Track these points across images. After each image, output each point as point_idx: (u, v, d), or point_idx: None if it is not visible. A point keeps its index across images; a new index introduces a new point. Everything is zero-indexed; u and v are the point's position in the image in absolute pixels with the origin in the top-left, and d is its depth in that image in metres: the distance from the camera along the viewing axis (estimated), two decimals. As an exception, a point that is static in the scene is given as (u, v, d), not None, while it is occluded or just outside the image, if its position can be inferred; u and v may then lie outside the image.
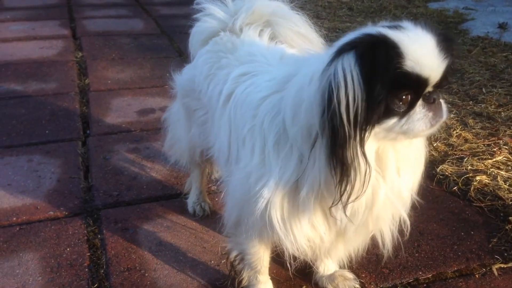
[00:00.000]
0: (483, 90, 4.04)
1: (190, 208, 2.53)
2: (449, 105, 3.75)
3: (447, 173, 2.87)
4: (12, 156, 3.07)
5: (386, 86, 1.25)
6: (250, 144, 1.61)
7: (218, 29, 2.15)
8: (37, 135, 3.34)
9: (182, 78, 2.32)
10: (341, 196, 1.36)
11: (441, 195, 2.73)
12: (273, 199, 1.52)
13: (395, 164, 1.46)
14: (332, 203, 1.40)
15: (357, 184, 1.34)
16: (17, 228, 2.40)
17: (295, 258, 1.80)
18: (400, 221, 1.64)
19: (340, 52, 1.28)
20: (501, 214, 2.54)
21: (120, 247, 2.28)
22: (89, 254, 2.24)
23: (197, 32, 2.24)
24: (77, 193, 2.69)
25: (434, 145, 3.16)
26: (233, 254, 1.89)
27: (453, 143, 3.20)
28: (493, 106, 3.73)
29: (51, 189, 2.72)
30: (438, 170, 2.90)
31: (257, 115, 1.61)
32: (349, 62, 1.24)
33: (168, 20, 6.54)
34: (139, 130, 3.45)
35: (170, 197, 2.68)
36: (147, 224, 2.44)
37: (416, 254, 2.27)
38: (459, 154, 3.06)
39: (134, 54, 5.16)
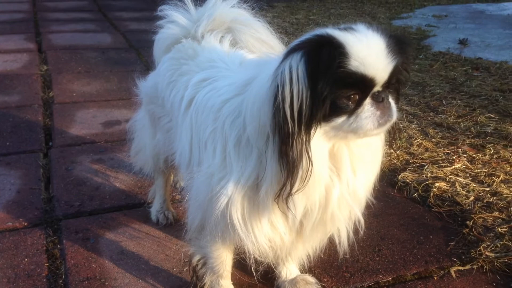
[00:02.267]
0: (443, 102, 4.16)
1: (153, 216, 2.52)
2: (410, 116, 3.85)
3: (408, 181, 2.93)
4: (-29, 168, 3.00)
5: (329, 83, 1.29)
6: (212, 146, 1.63)
7: (181, 36, 2.18)
8: (-3, 147, 3.28)
9: (146, 85, 2.33)
10: (280, 189, 1.40)
11: (402, 201, 2.79)
12: (233, 199, 1.54)
13: (350, 163, 1.49)
14: (275, 197, 1.44)
15: (298, 179, 1.37)
16: (-26, 240, 2.34)
17: (258, 262, 1.81)
18: (355, 220, 1.67)
19: (290, 52, 1.33)
20: (459, 219, 2.61)
21: (80, 256, 2.24)
22: (47, 264, 2.20)
23: (160, 39, 2.26)
24: (37, 204, 2.64)
25: (396, 153, 3.22)
26: (196, 258, 1.88)
27: (414, 151, 3.27)
28: (452, 117, 3.84)
29: (10, 200, 2.66)
30: (399, 177, 2.96)
31: (218, 118, 1.63)
32: (295, 60, 1.29)
33: (136, 34, 6.54)
34: (103, 142, 3.42)
35: (133, 207, 2.66)
36: (109, 234, 2.41)
37: (377, 258, 2.31)
38: (419, 162, 3.14)
39: (101, 67, 5.13)
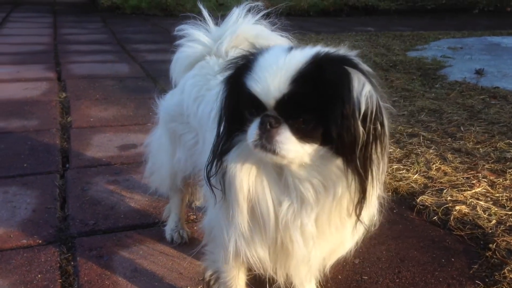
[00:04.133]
0: (461, 128, 4.11)
1: (168, 235, 2.48)
2: (427, 142, 3.80)
3: (427, 204, 2.86)
4: (-13, 188, 3.02)
5: (229, 95, 1.46)
6: None
7: (203, 53, 2.19)
8: (15, 168, 3.29)
9: (168, 103, 2.32)
10: (206, 165, 1.55)
11: (421, 224, 2.72)
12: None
13: (294, 189, 1.43)
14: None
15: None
16: (-12, 256, 2.33)
17: (274, 280, 1.77)
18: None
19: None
20: (481, 242, 2.53)
21: (94, 273, 2.21)
22: (60, 280, 2.17)
23: (181, 58, 2.27)
24: (52, 222, 2.63)
25: (413, 178, 3.17)
26: (208, 273, 1.86)
27: (432, 176, 3.22)
28: (471, 143, 3.79)
29: (26, 219, 2.66)
30: (418, 200, 2.90)
31: None
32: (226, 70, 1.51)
33: (153, 65, 6.65)
34: (119, 164, 3.42)
35: (148, 226, 2.63)
36: (123, 251, 2.38)
37: (397, 280, 2.23)
38: (438, 186, 3.08)
39: (118, 95, 5.20)
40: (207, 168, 1.51)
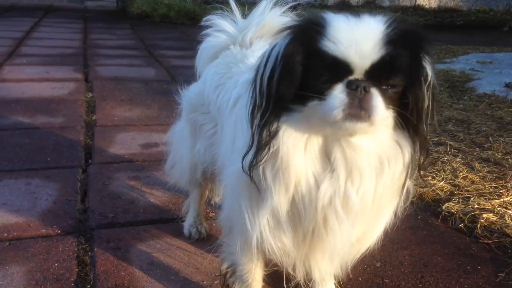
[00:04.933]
0: (490, 139, 4.01)
1: (186, 230, 2.46)
2: (454, 150, 3.71)
3: (453, 211, 2.78)
4: (11, 179, 3.04)
5: (301, 61, 1.27)
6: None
7: (228, 43, 2.19)
8: (38, 162, 3.32)
9: (190, 93, 2.33)
10: (244, 155, 1.39)
11: (447, 231, 2.63)
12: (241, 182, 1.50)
13: (344, 168, 1.37)
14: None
15: (258, 151, 1.36)
16: (7, 243, 2.33)
17: (291, 276, 1.72)
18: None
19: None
20: (509, 251, 2.43)
21: (110, 264, 2.19)
22: (77, 270, 2.16)
23: (207, 47, 2.28)
24: (72, 214, 2.63)
25: (439, 185, 3.08)
26: (225, 266, 1.81)
27: (459, 183, 3.12)
28: (500, 153, 3.68)
29: (46, 210, 2.67)
30: (443, 207, 2.81)
31: None
32: (280, 38, 1.32)
33: (179, 70, 6.69)
34: (141, 161, 3.42)
35: (166, 221, 2.61)
36: (140, 245, 2.36)
37: (420, 285, 2.16)
38: (465, 194, 2.98)
39: (143, 96, 5.24)
40: (250, 160, 1.39)
